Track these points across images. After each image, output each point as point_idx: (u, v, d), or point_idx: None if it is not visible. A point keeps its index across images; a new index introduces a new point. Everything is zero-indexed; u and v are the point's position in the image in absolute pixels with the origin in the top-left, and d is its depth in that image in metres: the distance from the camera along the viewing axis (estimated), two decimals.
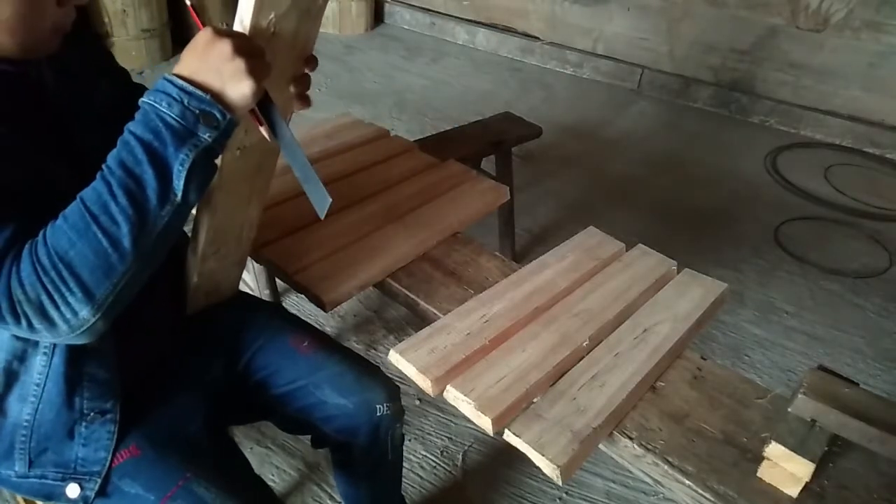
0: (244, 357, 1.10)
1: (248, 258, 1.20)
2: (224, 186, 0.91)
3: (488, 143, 2.12)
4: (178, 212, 0.73)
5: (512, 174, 2.28)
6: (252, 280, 1.96)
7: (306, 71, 0.87)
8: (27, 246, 0.70)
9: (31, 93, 0.80)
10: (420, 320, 1.17)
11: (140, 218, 0.70)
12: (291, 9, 0.76)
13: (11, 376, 0.85)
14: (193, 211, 0.93)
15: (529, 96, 3.88)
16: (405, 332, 2.06)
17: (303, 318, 1.21)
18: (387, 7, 4.81)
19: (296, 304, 2.12)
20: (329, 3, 0.81)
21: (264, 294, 1.97)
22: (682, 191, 3.05)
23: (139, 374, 0.97)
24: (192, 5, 0.80)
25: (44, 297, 0.69)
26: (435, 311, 1.15)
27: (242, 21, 0.74)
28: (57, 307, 0.69)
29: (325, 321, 2.08)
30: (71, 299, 0.69)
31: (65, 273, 0.68)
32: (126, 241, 0.69)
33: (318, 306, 1.15)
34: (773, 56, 3.64)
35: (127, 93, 0.99)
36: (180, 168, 0.70)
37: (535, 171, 3.05)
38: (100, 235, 0.69)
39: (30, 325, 0.70)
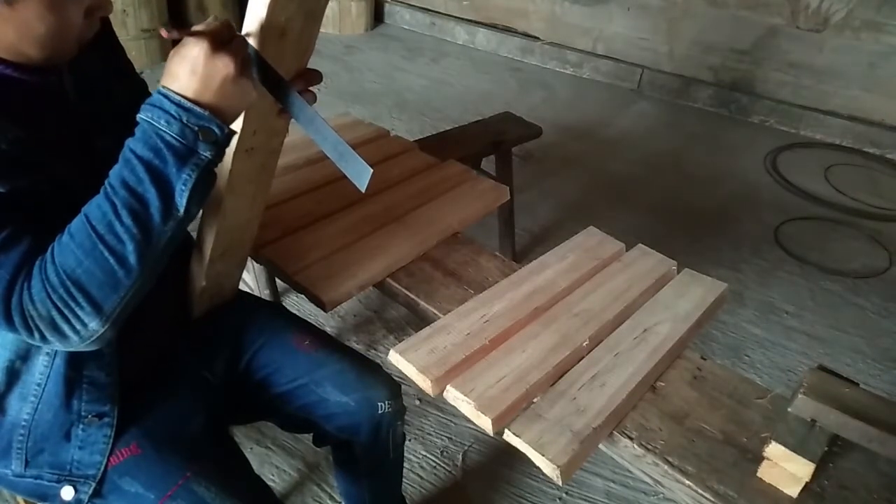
0: (245, 356, 1.10)
1: (248, 258, 1.20)
2: (234, 189, 0.92)
3: (488, 143, 2.12)
4: (181, 225, 0.75)
5: (512, 174, 2.28)
6: (252, 280, 1.96)
7: (311, 88, 0.87)
8: (37, 263, 0.72)
9: (52, 100, 0.81)
10: (420, 320, 1.17)
11: (144, 235, 0.71)
12: (298, 12, 0.77)
13: (13, 375, 0.86)
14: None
15: (529, 96, 3.88)
16: (405, 332, 2.06)
17: (302, 317, 1.21)
18: (387, 7, 4.81)
19: (296, 304, 2.12)
20: (329, 3, 0.82)
21: (264, 294, 1.97)
22: (682, 191, 3.05)
23: (140, 377, 0.97)
24: (167, 32, 0.71)
25: (54, 313, 0.71)
26: (435, 311, 1.15)
27: (254, 24, 0.75)
28: (68, 321, 0.72)
29: (325, 321, 2.08)
30: (81, 313, 0.72)
31: (73, 290, 0.71)
32: (132, 258, 0.71)
33: (318, 306, 1.15)
34: (773, 56, 3.65)
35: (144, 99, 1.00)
36: (183, 188, 0.72)
37: (535, 171, 3.05)
38: (106, 254, 0.70)
39: (42, 337, 0.73)
